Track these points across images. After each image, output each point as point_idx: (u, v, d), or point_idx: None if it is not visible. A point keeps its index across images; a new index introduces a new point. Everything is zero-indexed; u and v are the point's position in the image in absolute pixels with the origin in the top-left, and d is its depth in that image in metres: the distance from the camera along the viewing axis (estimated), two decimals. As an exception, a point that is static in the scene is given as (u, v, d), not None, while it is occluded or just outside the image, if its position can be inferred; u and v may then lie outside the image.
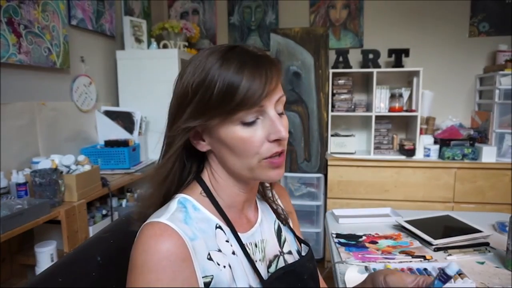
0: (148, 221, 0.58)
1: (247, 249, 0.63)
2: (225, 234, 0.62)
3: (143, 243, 0.54)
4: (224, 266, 0.58)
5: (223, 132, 0.58)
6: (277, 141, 0.58)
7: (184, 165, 0.64)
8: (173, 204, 0.61)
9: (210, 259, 0.57)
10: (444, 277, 0.53)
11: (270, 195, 0.76)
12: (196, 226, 0.59)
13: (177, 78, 0.62)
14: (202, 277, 0.56)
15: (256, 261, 0.63)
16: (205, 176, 0.65)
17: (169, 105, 0.63)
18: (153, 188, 0.64)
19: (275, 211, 0.75)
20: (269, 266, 0.66)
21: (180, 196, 0.63)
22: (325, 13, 3.02)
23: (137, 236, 0.56)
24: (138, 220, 0.60)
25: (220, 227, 0.61)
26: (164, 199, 0.64)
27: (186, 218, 0.58)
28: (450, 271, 0.53)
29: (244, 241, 0.63)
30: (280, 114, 0.61)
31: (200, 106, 0.57)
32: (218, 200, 0.64)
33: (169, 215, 0.57)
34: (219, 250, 0.59)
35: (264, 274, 0.63)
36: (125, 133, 2.30)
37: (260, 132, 0.58)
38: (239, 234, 0.63)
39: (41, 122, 1.85)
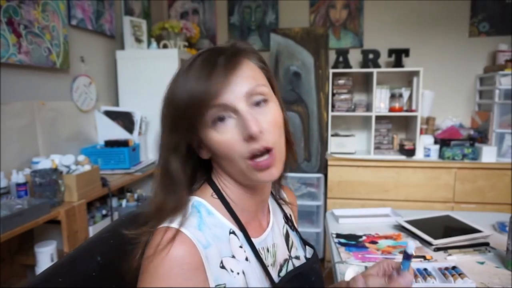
0: (161, 225, 0.55)
1: (260, 254, 0.62)
2: (238, 239, 0.60)
3: (155, 248, 0.52)
4: (238, 273, 0.57)
5: (205, 138, 0.57)
6: (253, 139, 0.54)
7: (195, 168, 0.63)
8: (187, 208, 0.58)
9: (222, 267, 0.56)
10: (408, 256, 0.60)
11: (282, 196, 0.75)
12: (209, 233, 0.57)
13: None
14: (215, 286, 0.54)
15: (268, 266, 0.62)
16: (215, 178, 0.64)
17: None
18: (164, 192, 0.59)
19: (285, 214, 0.74)
20: (280, 271, 0.65)
21: (194, 200, 0.61)
22: (325, 13, 3.02)
23: (150, 240, 0.54)
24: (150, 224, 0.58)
25: (233, 233, 0.60)
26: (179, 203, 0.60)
27: (200, 224, 0.56)
28: (410, 250, 0.59)
29: (257, 246, 0.62)
30: (259, 105, 0.56)
31: (172, 124, 0.57)
32: (230, 203, 0.62)
33: (183, 220, 0.55)
34: (233, 256, 0.58)
35: (275, 278, 0.62)
36: (125, 133, 2.29)
37: (236, 131, 0.55)
38: (252, 239, 0.61)
39: (41, 122, 1.85)
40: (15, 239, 1.58)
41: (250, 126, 0.53)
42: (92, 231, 1.74)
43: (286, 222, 0.73)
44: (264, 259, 0.62)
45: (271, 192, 0.73)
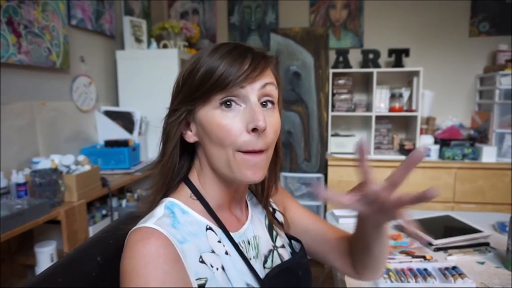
0: (134, 227, 0.56)
1: (241, 247, 0.62)
2: (216, 234, 0.60)
3: (130, 249, 0.52)
4: (217, 268, 0.57)
5: (204, 116, 0.58)
6: (256, 133, 0.55)
7: (177, 164, 0.63)
8: (160, 210, 0.59)
9: (202, 262, 0.55)
10: None
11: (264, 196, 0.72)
12: (185, 230, 0.57)
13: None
14: (196, 280, 0.53)
15: (250, 259, 0.62)
16: (194, 176, 0.64)
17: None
18: (157, 184, 0.63)
19: (267, 211, 0.73)
20: (265, 262, 0.65)
21: (167, 201, 0.61)
22: (325, 13, 3.02)
23: (125, 244, 0.54)
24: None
25: (210, 228, 0.60)
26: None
27: (174, 223, 0.56)
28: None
29: (236, 240, 0.62)
30: (266, 106, 0.58)
31: (186, 92, 0.59)
32: (208, 201, 0.62)
33: (155, 220, 0.55)
34: (212, 251, 0.58)
35: (259, 271, 0.62)
36: (125, 133, 2.29)
37: (239, 120, 0.56)
38: (231, 233, 0.61)
39: (41, 122, 1.85)
40: (15, 239, 1.58)
41: (259, 119, 0.54)
42: (92, 231, 1.74)
43: (268, 216, 0.73)
44: (245, 252, 0.62)
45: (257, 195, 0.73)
